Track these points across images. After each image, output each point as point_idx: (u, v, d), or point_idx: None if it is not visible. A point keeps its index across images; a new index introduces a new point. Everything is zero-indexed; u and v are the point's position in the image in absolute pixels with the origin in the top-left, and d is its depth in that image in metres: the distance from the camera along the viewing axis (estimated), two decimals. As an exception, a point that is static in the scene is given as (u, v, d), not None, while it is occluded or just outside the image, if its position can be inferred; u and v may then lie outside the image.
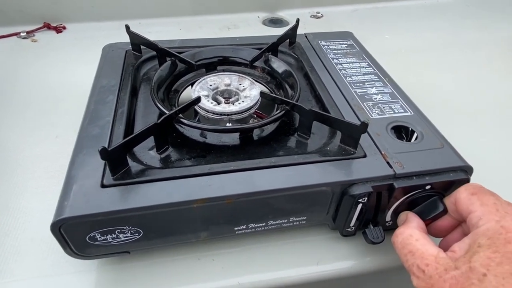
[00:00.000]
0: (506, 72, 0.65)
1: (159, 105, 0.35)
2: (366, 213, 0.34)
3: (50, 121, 0.50)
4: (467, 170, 0.34)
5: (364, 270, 0.36)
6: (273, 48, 0.46)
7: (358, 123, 0.32)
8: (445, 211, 0.32)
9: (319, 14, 0.80)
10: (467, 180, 0.33)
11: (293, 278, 0.35)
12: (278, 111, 0.37)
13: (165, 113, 0.33)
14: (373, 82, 0.43)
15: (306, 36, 0.53)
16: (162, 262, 0.35)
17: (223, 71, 0.45)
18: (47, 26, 0.71)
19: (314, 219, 0.35)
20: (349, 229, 0.35)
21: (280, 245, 0.36)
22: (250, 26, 0.77)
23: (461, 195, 0.30)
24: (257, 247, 0.36)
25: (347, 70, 0.46)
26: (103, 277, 0.33)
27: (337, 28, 0.68)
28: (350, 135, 0.33)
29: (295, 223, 0.34)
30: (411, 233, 0.30)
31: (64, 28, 0.72)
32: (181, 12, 0.77)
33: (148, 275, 0.34)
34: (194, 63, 0.42)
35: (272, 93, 0.43)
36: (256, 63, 0.45)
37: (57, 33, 0.71)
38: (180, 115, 0.35)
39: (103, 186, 0.29)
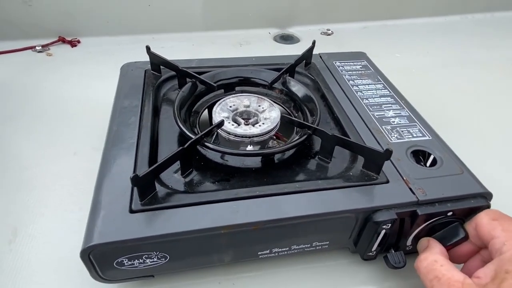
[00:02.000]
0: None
1: (184, 129, 0.35)
2: (388, 239, 0.34)
3: (67, 137, 0.51)
4: (487, 196, 0.34)
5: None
6: (291, 69, 0.47)
7: (382, 150, 0.33)
8: (466, 237, 0.33)
9: (330, 31, 0.81)
10: (488, 206, 0.34)
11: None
12: (299, 135, 0.37)
13: (191, 138, 0.33)
14: (390, 105, 0.44)
15: (320, 57, 0.54)
16: (184, 285, 0.35)
17: (241, 92, 0.46)
18: (62, 40, 0.72)
19: (337, 243, 0.35)
20: (370, 254, 0.35)
21: (301, 269, 0.37)
22: (262, 42, 0.78)
23: (482, 220, 0.31)
24: (278, 271, 0.36)
25: (363, 92, 0.46)
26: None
27: (348, 45, 0.69)
28: (373, 161, 0.34)
29: (317, 247, 0.35)
30: (435, 258, 0.30)
31: (79, 42, 0.73)
32: (194, 28, 0.78)
33: None
34: (214, 84, 0.42)
35: (291, 115, 0.44)
36: (274, 84, 0.46)
37: (72, 47, 0.72)
38: (206, 139, 0.35)
39: (131, 211, 0.30)
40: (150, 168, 0.29)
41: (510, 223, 0.29)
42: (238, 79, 0.46)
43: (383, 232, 0.33)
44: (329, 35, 0.80)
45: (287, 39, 0.80)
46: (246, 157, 0.36)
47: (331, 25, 0.82)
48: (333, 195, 0.32)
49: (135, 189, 0.30)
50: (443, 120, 0.53)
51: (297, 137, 0.37)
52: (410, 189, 0.33)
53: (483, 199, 0.34)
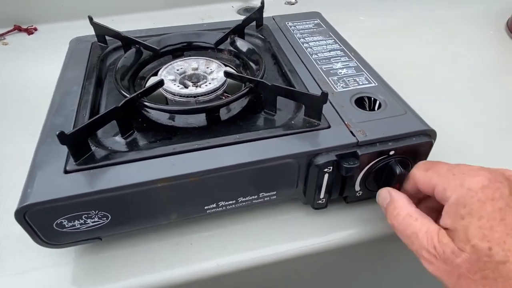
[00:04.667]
0: (476, 45, 0.66)
1: (121, 89, 0.35)
2: (334, 184, 0.34)
3: (27, 122, 0.50)
4: (431, 134, 0.34)
5: (337, 244, 0.36)
6: (239, 30, 0.46)
7: (319, 94, 0.32)
8: (403, 174, 0.32)
9: (293, 0, 0.80)
10: (431, 144, 0.34)
11: (271, 256, 0.35)
12: (243, 89, 0.37)
13: (127, 97, 0.33)
14: (339, 58, 0.44)
15: (273, 19, 0.53)
16: (140, 249, 0.35)
17: (190, 56, 0.45)
18: (18, 29, 0.70)
19: (285, 194, 0.35)
20: (320, 202, 0.35)
21: (256, 224, 0.37)
22: (225, 16, 0.77)
23: (416, 175, 0.31)
24: (234, 228, 0.36)
25: (313, 48, 0.46)
26: (81, 268, 0.33)
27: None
28: (313, 107, 0.34)
29: (265, 198, 0.35)
30: (409, 213, 0.29)
31: (36, 29, 0.71)
32: (154, 7, 0.76)
33: (127, 263, 0.34)
34: (158, 49, 0.42)
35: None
36: (223, 46, 0.45)
37: (29, 34, 0.70)
38: (143, 98, 0.35)
39: (66, 172, 0.29)
40: (80, 126, 0.29)
41: (442, 166, 0.29)
42: (183, 44, 0.45)
43: (326, 176, 0.33)
44: (292, 4, 0.79)
45: (251, 11, 0.78)
46: (188, 115, 0.36)
47: (294, -6, 0.81)
48: (273, 143, 0.32)
49: (71, 151, 0.30)
50: (402, 73, 0.53)
51: (240, 91, 0.37)
52: (351, 132, 0.33)
53: (425, 136, 0.34)
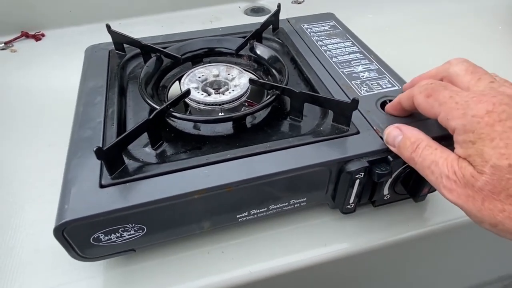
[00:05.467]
0: (487, 40, 0.66)
1: (149, 100, 0.35)
2: (364, 189, 0.34)
3: (40, 131, 0.50)
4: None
5: (368, 247, 0.36)
6: (257, 35, 0.46)
7: (349, 100, 0.32)
8: None
9: (300, 0, 0.79)
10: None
11: (302, 262, 0.35)
12: (269, 97, 0.37)
13: (156, 108, 0.33)
14: (359, 61, 0.44)
15: (288, 21, 0.53)
16: (171, 259, 0.35)
17: (209, 63, 0.45)
18: (25, 35, 0.70)
19: (314, 200, 0.35)
20: (348, 206, 0.36)
21: (285, 231, 0.37)
22: (233, 17, 0.76)
23: (418, 100, 0.30)
24: (264, 235, 0.37)
25: (332, 51, 0.46)
26: (111, 281, 0.33)
27: (319, 11, 0.68)
28: (342, 113, 0.34)
29: (296, 205, 0.35)
30: (428, 143, 0.28)
31: (43, 35, 0.70)
32: (161, 9, 0.76)
33: (158, 274, 0.34)
34: (179, 56, 0.42)
35: (261, 79, 0.43)
36: (242, 52, 0.45)
37: (36, 41, 0.69)
38: (171, 109, 0.34)
39: (101, 186, 0.29)
40: (115, 140, 0.29)
41: (444, 93, 0.28)
42: (204, 50, 0.45)
43: (357, 182, 0.33)
44: (300, 3, 0.79)
45: (258, 11, 0.78)
46: (216, 123, 0.36)
47: (301, -7, 0.81)
48: (304, 151, 0.32)
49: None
50: (418, 72, 0.53)
51: (266, 99, 0.37)
52: (381, 137, 0.33)
53: (453, 140, 0.34)
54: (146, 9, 0.75)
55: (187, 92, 0.36)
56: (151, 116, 0.31)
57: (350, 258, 0.36)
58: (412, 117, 0.35)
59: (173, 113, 0.34)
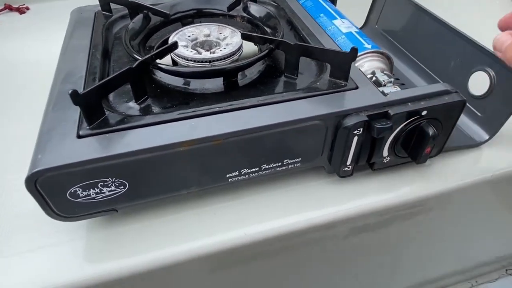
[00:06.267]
0: (483, 13, 0.64)
1: (132, 52, 0.33)
2: (362, 148, 0.32)
3: (22, 101, 0.48)
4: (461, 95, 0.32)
5: (366, 210, 0.34)
6: (251, -4, 0.44)
7: (347, 51, 0.30)
8: (436, 136, 0.31)
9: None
10: (463, 103, 0.32)
11: (298, 224, 0.33)
12: (263, 51, 0.35)
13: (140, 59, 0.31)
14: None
15: (285, -14, 0.51)
16: (160, 221, 0.33)
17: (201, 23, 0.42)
18: (9, 8, 0.67)
19: (309, 161, 0.33)
20: (346, 169, 0.34)
21: (280, 193, 0.35)
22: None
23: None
24: (258, 196, 0.35)
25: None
26: (94, 243, 0.31)
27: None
28: (339, 66, 0.32)
29: (290, 166, 0.33)
30: None
31: (28, 8, 0.68)
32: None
33: (145, 236, 0.32)
34: (169, 13, 0.39)
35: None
36: (235, 13, 0.43)
37: (20, 14, 0.67)
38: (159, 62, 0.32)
39: (79, 136, 0.27)
40: (93, 86, 0.27)
41: None
42: (194, 11, 0.42)
43: (355, 139, 0.31)
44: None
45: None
46: (205, 79, 0.34)
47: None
48: (299, 105, 0.30)
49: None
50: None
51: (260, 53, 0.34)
52: (381, 92, 0.31)
53: (457, 95, 0.32)
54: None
55: (174, 45, 0.34)
56: (134, 65, 0.29)
57: (346, 221, 0.34)
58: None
59: (159, 65, 0.32)
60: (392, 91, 0.34)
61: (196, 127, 0.28)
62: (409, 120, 0.31)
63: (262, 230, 0.32)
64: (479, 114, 0.40)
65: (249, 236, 0.31)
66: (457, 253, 0.54)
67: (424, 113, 0.31)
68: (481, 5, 0.67)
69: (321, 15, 0.45)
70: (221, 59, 0.36)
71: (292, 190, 0.35)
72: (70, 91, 0.25)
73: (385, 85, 0.36)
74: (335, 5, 0.52)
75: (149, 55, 0.31)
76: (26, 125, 0.43)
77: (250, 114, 0.29)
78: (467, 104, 0.41)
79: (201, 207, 0.34)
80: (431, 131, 0.31)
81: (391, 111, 0.30)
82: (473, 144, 0.39)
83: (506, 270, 0.83)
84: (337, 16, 0.44)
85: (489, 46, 0.36)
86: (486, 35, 0.37)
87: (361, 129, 0.30)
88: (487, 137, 0.39)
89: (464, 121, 0.41)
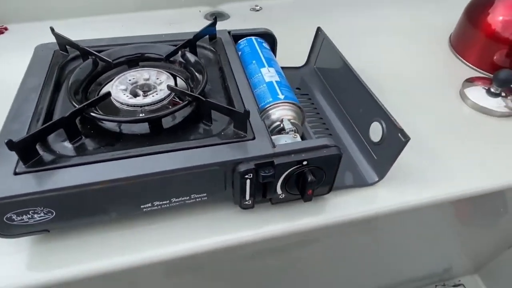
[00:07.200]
0: (421, 57, 0.72)
1: (72, 100, 0.39)
2: (256, 188, 0.39)
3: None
4: (339, 147, 0.40)
5: (264, 236, 0.42)
6: (190, 44, 0.50)
7: (242, 111, 0.37)
8: (313, 182, 0.38)
9: (258, 7, 0.84)
10: (339, 156, 0.39)
11: (205, 246, 0.40)
12: (182, 103, 0.42)
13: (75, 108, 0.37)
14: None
15: (229, 33, 0.58)
16: (89, 239, 0.40)
17: (144, 67, 0.49)
18: (-12, 28, 0.73)
19: (215, 195, 0.40)
20: (246, 203, 0.41)
21: (190, 220, 0.42)
22: (192, 21, 0.81)
23: None
24: (172, 222, 0.42)
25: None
26: (35, 255, 0.38)
27: (276, 20, 0.73)
28: (239, 121, 0.39)
29: (197, 199, 0.40)
30: None
31: (6, 29, 0.74)
32: (124, 9, 0.80)
33: (78, 250, 0.38)
34: (111, 61, 0.46)
35: (188, 85, 0.48)
36: (176, 58, 0.50)
37: (-1, 34, 0.73)
38: (96, 109, 0.39)
39: (15, 173, 0.34)
40: (28, 134, 0.33)
41: None
42: (137, 56, 0.49)
43: (248, 181, 0.38)
44: (257, 11, 0.84)
45: (218, 16, 0.83)
46: (132, 123, 0.41)
47: (260, 1, 0.85)
48: (203, 152, 0.37)
49: (22, 155, 0.34)
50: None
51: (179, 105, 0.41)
52: (273, 144, 0.38)
53: (335, 148, 0.39)
54: (110, 8, 0.79)
55: (107, 94, 0.41)
56: (66, 115, 0.36)
57: (247, 246, 0.41)
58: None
59: (91, 113, 0.38)
60: (287, 141, 0.41)
61: (113, 169, 0.35)
62: (294, 168, 0.39)
63: (175, 250, 0.39)
64: (375, 158, 0.47)
65: (162, 255, 0.39)
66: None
67: (305, 163, 0.38)
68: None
69: (253, 61, 0.52)
70: (151, 104, 0.43)
71: (201, 218, 0.42)
72: (5, 141, 0.32)
73: (287, 133, 0.43)
74: (275, 50, 0.60)
75: (82, 105, 0.38)
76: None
77: (162, 159, 0.36)
78: (368, 147, 0.49)
79: (125, 229, 0.41)
80: (309, 177, 0.38)
81: (276, 161, 0.37)
82: (365, 184, 0.46)
83: (436, 286, 0.91)
84: (265, 64, 0.52)
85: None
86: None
87: (251, 174, 0.37)
88: (377, 179, 0.46)
89: (362, 163, 0.48)
